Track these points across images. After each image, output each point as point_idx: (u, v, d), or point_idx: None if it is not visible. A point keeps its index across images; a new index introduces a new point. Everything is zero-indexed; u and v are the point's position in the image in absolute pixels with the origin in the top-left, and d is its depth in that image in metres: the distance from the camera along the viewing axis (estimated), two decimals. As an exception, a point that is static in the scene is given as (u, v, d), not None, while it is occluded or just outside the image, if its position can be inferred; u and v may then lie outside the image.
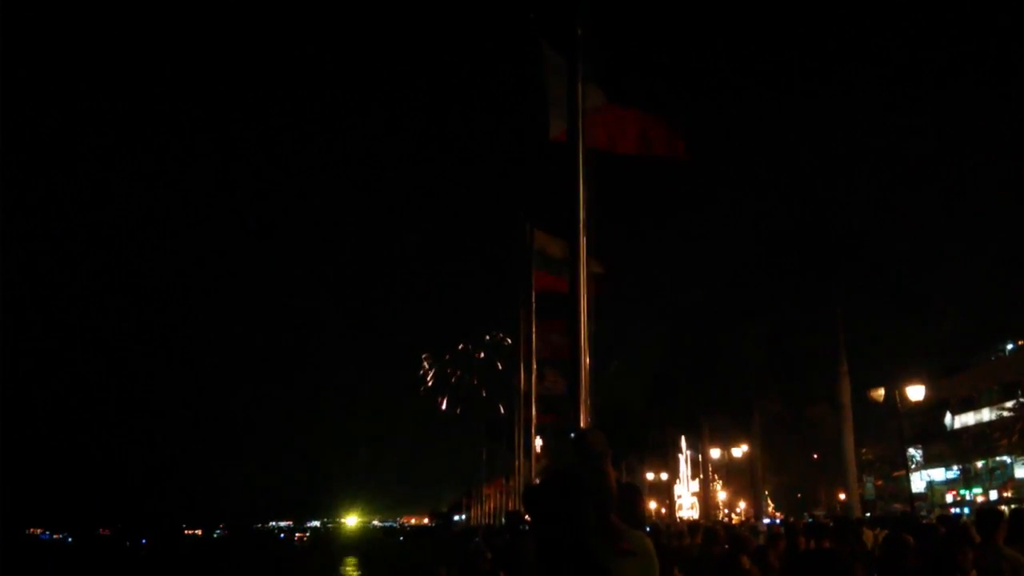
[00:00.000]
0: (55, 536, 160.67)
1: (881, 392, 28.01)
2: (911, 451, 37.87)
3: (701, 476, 55.92)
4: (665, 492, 62.74)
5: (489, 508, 53.18)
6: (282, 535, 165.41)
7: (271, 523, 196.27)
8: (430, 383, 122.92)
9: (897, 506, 37.98)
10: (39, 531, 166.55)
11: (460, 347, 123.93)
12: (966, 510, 41.13)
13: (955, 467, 53.96)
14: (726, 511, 55.72)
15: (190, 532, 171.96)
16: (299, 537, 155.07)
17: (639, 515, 4.29)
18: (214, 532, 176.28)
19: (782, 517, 41.18)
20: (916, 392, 25.62)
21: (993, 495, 47.78)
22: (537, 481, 14.95)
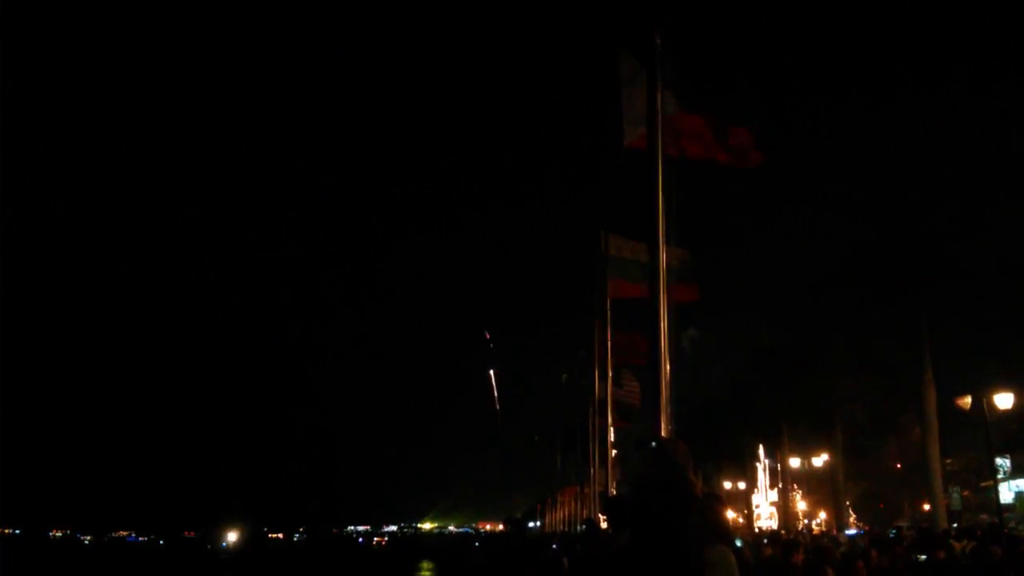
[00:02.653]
0: (140, 538, 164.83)
1: (968, 400, 27.26)
2: (999, 461, 36.66)
3: (780, 485, 54.98)
4: (743, 501, 61.83)
5: (564, 515, 53.01)
6: (360, 539, 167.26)
7: (349, 527, 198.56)
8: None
9: (984, 517, 36.81)
10: (126, 533, 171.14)
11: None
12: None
13: (1046, 478, 52.16)
14: (806, 521, 54.66)
15: (274, 536, 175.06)
16: (377, 541, 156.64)
17: (723, 526, 4.23)
18: (294, 535, 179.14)
19: (866, 528, 40.29)
20: (1004, 400, 24.92)
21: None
22: (615, 492, 14.87)
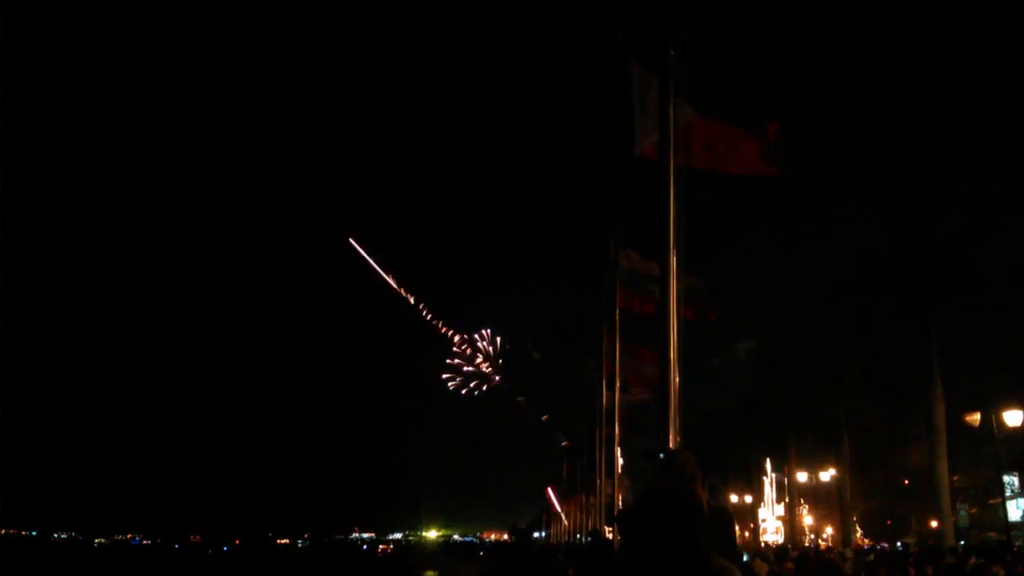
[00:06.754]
0: (145, 541, 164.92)
1: (977, 416, 27.17)
2: (1007, 478, 36.39)
3: (787, 500, 54.75)
4: (749, 515, 61.57)
5: (569, 525, 52.92)
6: (365, 546, 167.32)
7: (354, 534, 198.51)
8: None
9: (991, 535, 36.59)
10: (130, 536, 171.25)
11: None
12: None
13: (1054, 496, 51.77)
14: (812, 536, 54.40)
15: (281, 541, 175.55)
16: (382, 549, 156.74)
17: (731, 541, 4.18)
18: (298, 541, 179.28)
19: (873, 543, 40.06)
20: (1014, 417, 24.79)
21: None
22: (622, 504, 14.81)
